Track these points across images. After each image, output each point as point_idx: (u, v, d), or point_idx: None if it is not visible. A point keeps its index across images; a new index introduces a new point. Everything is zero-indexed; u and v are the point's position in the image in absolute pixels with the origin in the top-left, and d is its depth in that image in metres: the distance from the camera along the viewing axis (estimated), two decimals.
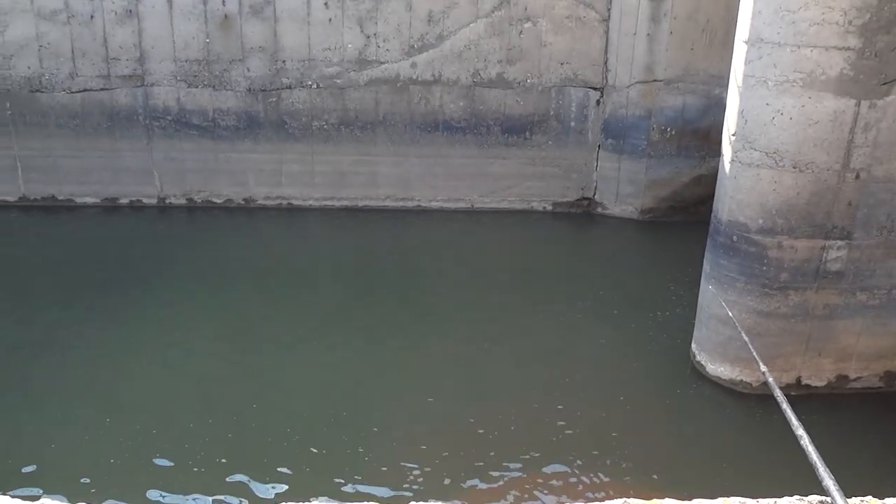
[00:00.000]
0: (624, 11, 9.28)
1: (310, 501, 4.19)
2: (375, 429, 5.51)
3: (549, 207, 10.29)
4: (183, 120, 9.69)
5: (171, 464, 5.07)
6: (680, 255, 8.62)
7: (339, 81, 9.60)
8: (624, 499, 1.65)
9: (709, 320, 6.23)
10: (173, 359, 6.45)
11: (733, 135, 5.73)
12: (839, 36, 5.08)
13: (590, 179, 10.19)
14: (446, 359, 6.53)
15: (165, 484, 4.87)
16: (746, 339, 2.95)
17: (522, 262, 8.77)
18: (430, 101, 9.72)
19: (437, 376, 6.26)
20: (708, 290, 6.16)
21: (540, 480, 4.97)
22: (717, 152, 6.36)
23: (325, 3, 9.27)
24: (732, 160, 5.76)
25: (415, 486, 4.90)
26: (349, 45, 9.46)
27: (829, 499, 1.64)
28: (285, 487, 4.86)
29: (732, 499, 1.63)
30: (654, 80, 9.39)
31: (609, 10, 9.41)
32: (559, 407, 5.83)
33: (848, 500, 1.60)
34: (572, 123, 9.89)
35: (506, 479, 4.98)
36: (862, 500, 1.69)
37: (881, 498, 1.80)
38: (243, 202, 10.08)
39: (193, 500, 4.76)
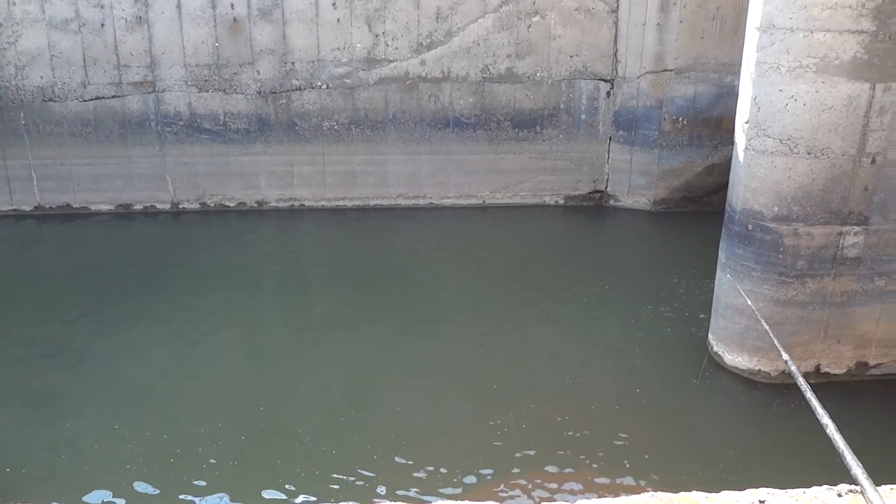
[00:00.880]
0: (633, 2, 9.23)
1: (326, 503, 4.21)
2: (391, 427, 5.52)
3: (562, 201, 10.27)
4: (194, 125, 9.75)
5: (188, 467, 5.10)
6: (694, 245, 8.58)
7: (348, 81, 9.61)
8: (650, 492, 1.64)
9: (725, 310, 6.19)
10: (189, 362, 6.50)
11: (746, 122, 5.69)
12: (852, 19, 5.03)
13: (601, 172, 10.16)
14: (460, 355, 6.53)
15: (181, 487, 4.91)
16: (766, 326, 2.93)
17: (535, 257, 8.76)
18: (440, 98, 9.72)
19: (453, 371, 6.26)
20: (724, 280, 6.12)
21: (559, 474, 4.97)
22: (730, 141, 6.33)
23: (333, 4, 9.29)
24: (746, 148, 5.72)
25: (431, 482, 4.91)
26: (358, 45, 9.47)
27: (858, 487, 1.63)
28: (293, 488, 4.88)
29: (761, 490, 1.62)
30: (665, 70, 9.34)
31: (618, 0, 9.37)
32: (575, 400, 5.82)
33: (878, 488, 1.59)
34: (583, 116, 9.86)
35: (522, 473, 4.97)
36: (892, 489, 1.67)
37: None
38: (256, 205, 10.12)
39: (207, 502, 4.79)
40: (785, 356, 2.47)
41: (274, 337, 6.91)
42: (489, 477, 4.97)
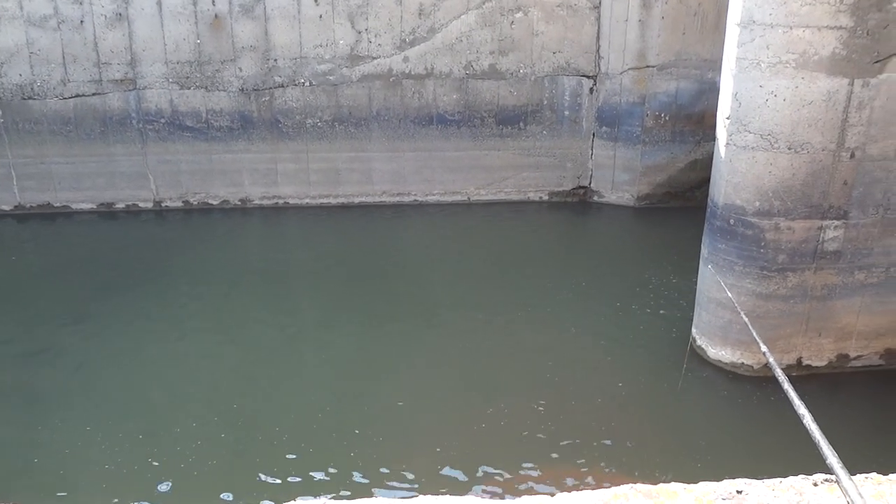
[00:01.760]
0: None
1: (317, 497, 4.21)
2: (380, 424, 5.52)
3: (546, 197, 10.30)
4: (176, 122, 9.68)
5: (181, 464, 5.08)
6: (677, 240, 8.64)
7: (331, 78, 9.58)
8: (630, 484, 1.66)
9: (708, 304, 6.25)
10: (175, 359, 6.46)
11: (727, 118, 5.73)
12: (831, 15, 5.08)
13: (585, 168, 10.20)
14: (446, 351, 6.55)
15: (176, 484, 4.89)
16: (746, 319, 2.96)
17: (520, 253, 8.79)
18: (424, 94, 9.71)
19: (437, 369, 6.27)
20: (706, 275, 6.17)
21: (542, 468, 4.99)
22: (712, 136, 6.37)
23: (315, 0, 9.24)
24: (727, 143, 5.77)
25: (421, 479, 4.92)
26: (341, 42, 9.44)
27: (833, 476, 1.66)
28: (298, 479, 4.88)
29: (738, 480, 1.64)
30: (647, 66, 9.38)
31: None
32: (559, 395, 5.85)
33: (852, 477, 1.61)
34: (566, 112, 9.89)
35: (508, 468, 4.99)
36: (866, 477, 1.70)
37: (885, 474, 1.81)
38: (239, 203, 10.07)
39: (204, 498, 4.78)
40: (763, 347, 2.50)
41: (259, 335, 6.88)
42: (473, 471, 4.98)
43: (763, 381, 5.93)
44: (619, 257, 8.68)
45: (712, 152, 6.29)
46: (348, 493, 4.73)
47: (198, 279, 8.01)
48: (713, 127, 6.30)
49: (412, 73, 9.60)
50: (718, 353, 6.20)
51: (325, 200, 10.12)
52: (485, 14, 9.40)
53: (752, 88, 5.47)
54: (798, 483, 1.61)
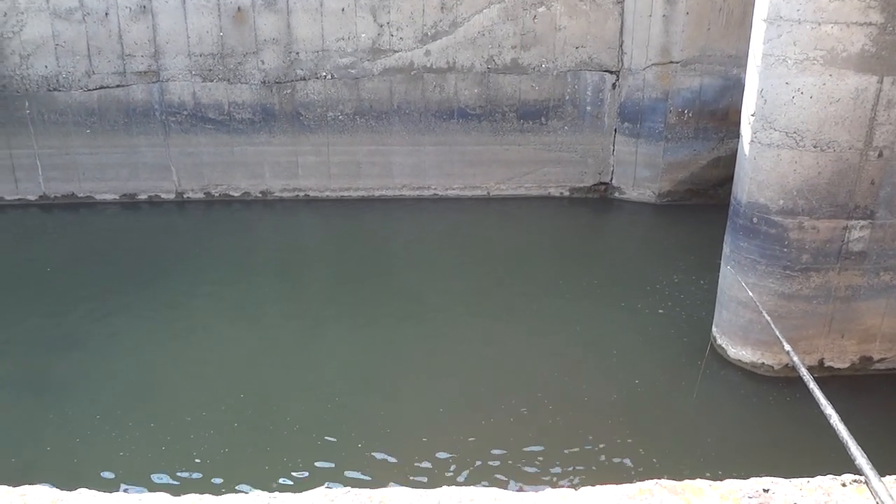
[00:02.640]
0: None
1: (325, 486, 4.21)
2: (397, 415, 5.54)
3: (566, 193, 10.25)
4: (199, 114, 9.74)
5: (200, 449, 5.13)
6: (699, 238, 8.56)
7: (353, 72, 9.59)
8: (655, 480, 1.65)
9: (729, 303, 6.19)
10: (196, 348, 6.53)
11: (752, 115, 5.66)
12: (860, 11, 5.00)
13: (606, 164, 10.14)
14: (464, 346, 6.54)
15: (194, 469, 4.94)
16: (768, 318, 2.93)
17: (540, 249, 8.76)
18: (445, 88, 9.69)
19: (455, 363, 6.27)
20: (728, 273, 6.11)
21: (561, 463, 4.98)
22: (736, 134, 6.31)
23: None
24: (752, 141, 5.70)
25: (437, 472, 4.92)
26: (362, 35, 9.45)
27: (862, 477, 1.63)
28: (305, 474, 4.90)
29: (765, 479, 1.63)
30: (671, 62, 9.30)
31: None
32: (577, 392, 5.83)
33: (882, 479, 1.59)
34: (588, 108, 9.83)
35: (527, 463, 4.99)
36: None
37: None
38: (260, 195, 10.13)
39: (220, 483, 4.82)
40: (787, 346, 2.47)
41: (278, 326, 6.92)
42: (492, 464, 4.98)
43: (784, 381, 5.87)
44: (640, 255, 8.62)
45: (736, 150, 6.22)
46: (363, 482, 4.75)
47: (218, 270, 8.07)
48: (737, 124, 6.22)
49: (434, 66, 9.59)
50: (739, 352, 6.14)
51: (345, 193, 10.15)
52: (507, 8, 9.35)
53: (778, 85, 5.40)
54: (826, 483, 1.59)
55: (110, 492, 1.79)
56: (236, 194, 10.12)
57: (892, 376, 6.00)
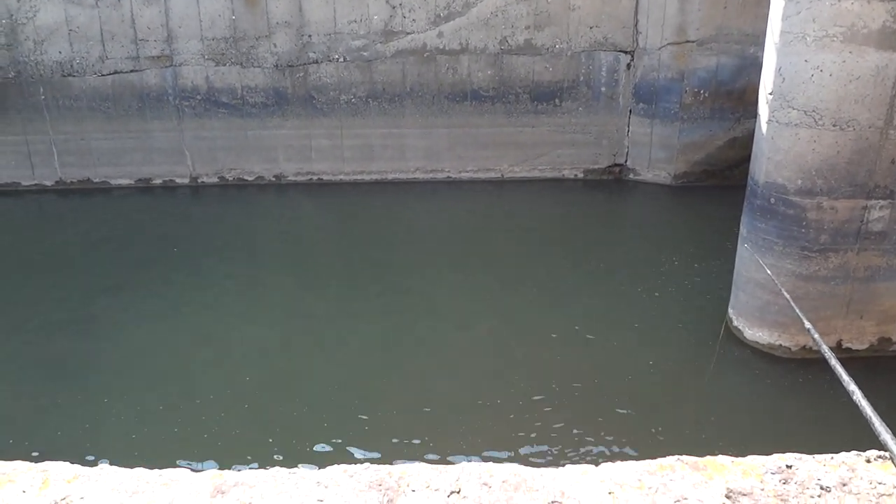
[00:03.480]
0: None
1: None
2: (414, 397, 5.56)
3: (581, 175, 10.19)
4: (212, 99, 9.75)
5: (213, 430, 5.18)
6: (715, 219, 8.50)
7: (365, 54, 9.55)
8: (677, 456, 1.64)
9: (746, 285, 6.14)
10: (210, 331, 6.58)
11: (770, 94, 5.59)
12: None
13: (621, 145, 10.06)
14: (478, 328, 6.54)
15: (209, 451, 4.99)
16: (787, 297, 2.90)
17: (554, 231, 8.73)
18: (458, 70, 9.63)
19: (468, 346, 6.28)
20: (745, 255, 6.06)
21: (578, 444, 4.99)
22: (753, 113, 6.23)
23: None
24: (769, 120, 5.63)
25: (456, 447, 4.95)
26: (375, 17, 9.39)
27: (887, 453, 1.62)
28: (320, 453, 4.94)
29: (788, 455, 1.62)
30: (687, 41, 9.18)
31: None
32: (595, 374, 5.82)
33: None
34: (602, 88, 9.74)
35: (544, 442, 5.00)
36: None
37: None
38: (274, 179, 10.14)
39: (233, 462, 4.86)
40: (807, 324, 2.45)
41: (291, 309, 6.95)
42: (510, 443, 4.99)
43: (801, 363, 5.84)
44: (655, 236, 8.57)
45: (752, 130, 6.14)
46: (381, 461, 4.77)
47: (232, 253, 8.11)
48: (754, 103, 6.14)
49: (446, 48, 9.53)
50: (755, 334, 6.11)
51: (358, 177, 10.14)
52: None
53: (796, 63, 5.32)
54: (850, 459, 1.58)
55: (131, 466, 1.81)
56: (250, 178, 10.14)
57: None
